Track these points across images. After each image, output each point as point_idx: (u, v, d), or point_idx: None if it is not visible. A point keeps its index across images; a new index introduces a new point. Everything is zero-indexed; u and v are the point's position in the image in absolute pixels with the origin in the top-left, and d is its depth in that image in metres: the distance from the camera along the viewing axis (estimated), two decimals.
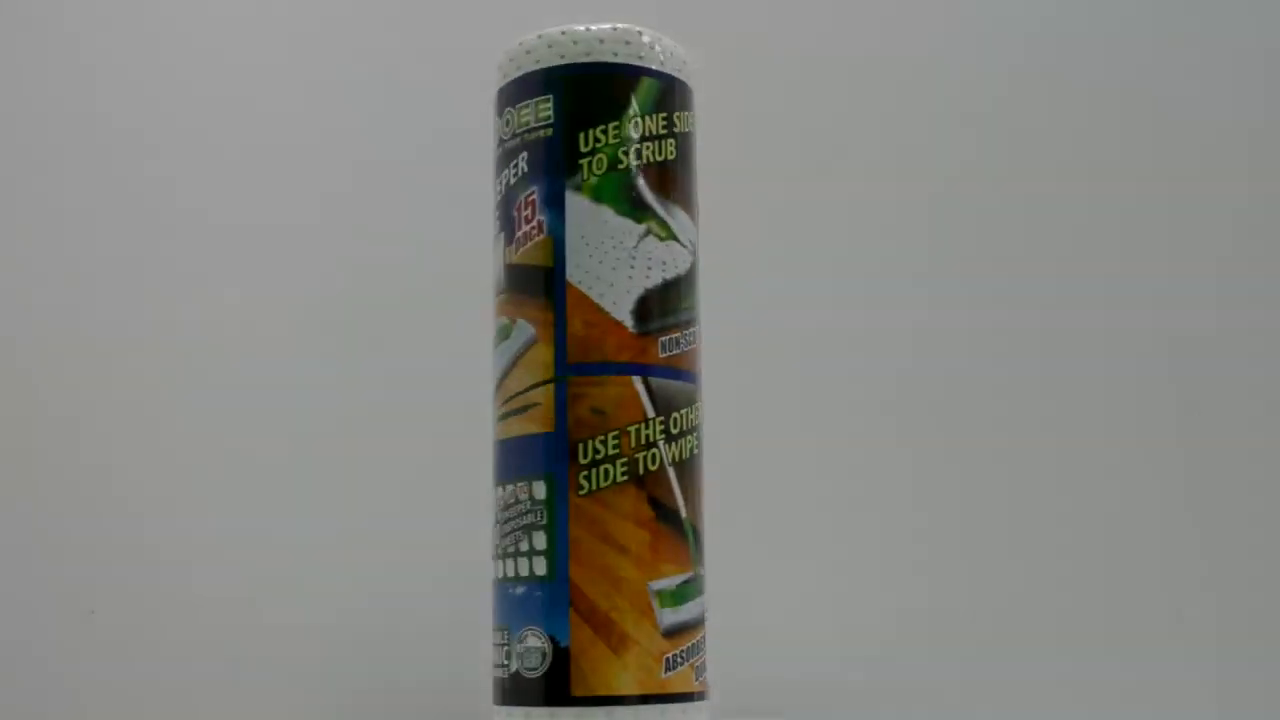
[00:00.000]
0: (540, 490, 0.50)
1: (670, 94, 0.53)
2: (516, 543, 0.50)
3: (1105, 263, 0.75)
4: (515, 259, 0.52)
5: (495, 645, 0.51)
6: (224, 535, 0.69)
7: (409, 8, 0.77)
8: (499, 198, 0.54)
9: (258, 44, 0.76)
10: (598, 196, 0.51)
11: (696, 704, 0.50)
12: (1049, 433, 0.73)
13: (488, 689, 0.52)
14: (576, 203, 0.51)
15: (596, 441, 0.49)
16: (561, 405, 0.50)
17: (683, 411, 0.51)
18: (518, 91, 0.53)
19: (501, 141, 0.54)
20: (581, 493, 0.49)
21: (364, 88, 0.76)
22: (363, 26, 0.77)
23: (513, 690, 0.49)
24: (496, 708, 0.50)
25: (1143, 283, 0.75)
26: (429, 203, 0.74)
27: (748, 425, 0.69)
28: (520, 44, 0.53)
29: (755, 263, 0.73)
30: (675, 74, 0.53)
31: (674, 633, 0.49)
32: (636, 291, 0.51)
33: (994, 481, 0.73)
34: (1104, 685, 0.70)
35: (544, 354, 0.50)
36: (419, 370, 0.71)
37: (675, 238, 0.52)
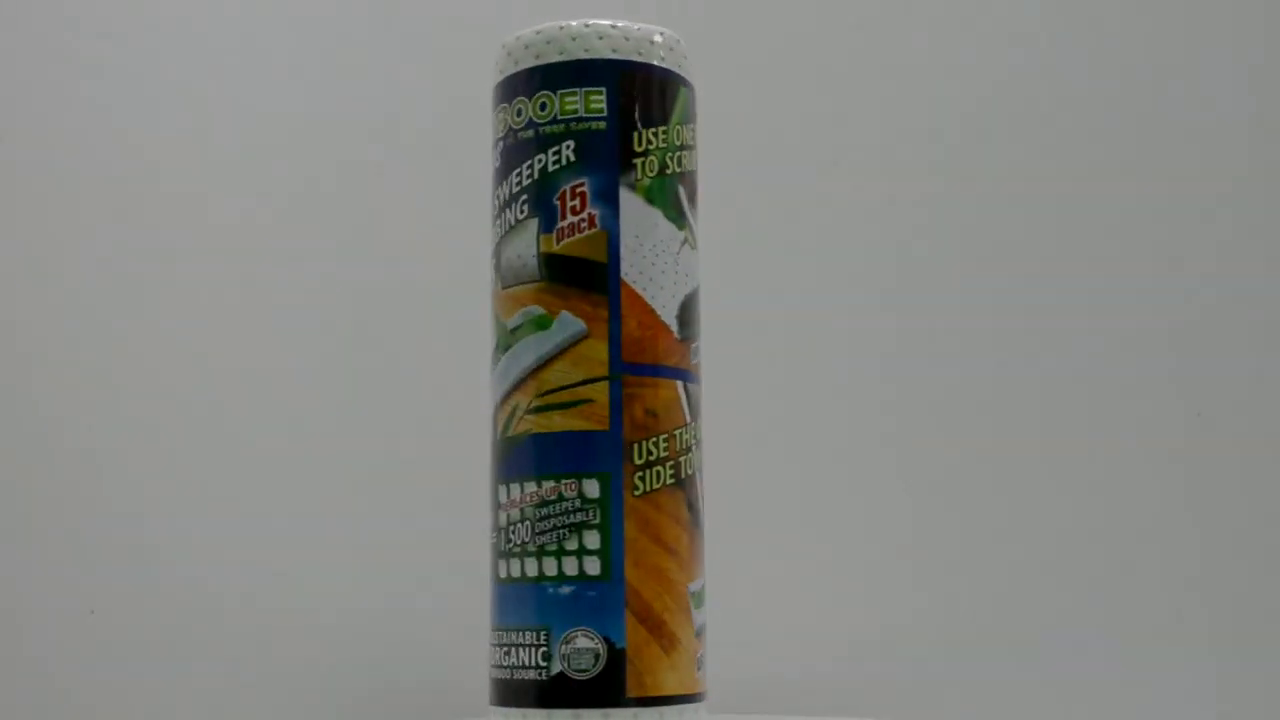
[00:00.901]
0: (592, 488, 0.49)
1: (694, 106, 0.54)
2: (560, 541, 0.49)
3: (1104, 263, 0.75)
4: (557, 249, 0.51)
5: (523, 646, 0.49)
6: (224, 535, 0.69)
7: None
8: (521, 183, 0.52)
9: (257, 36, 0.75)
10: (650, 198, 0.51)
11: (706, 702, 0.52)
12: (1048, 433, 0.73)
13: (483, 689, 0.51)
14: (631, 201, 0.51)
15: (649, 443, 0.50)
16: (617, 404, 0.50)
17: (699, 419, 0.53)
18: (559, 77, 0.51)
19: (533, 125, 0.52)
20: (636, 493, 0.49)
21: (360, 80, 0.76)
22: (356, 18, 0.77)
23: (556, 692, 0.48)
24: (531, 710, 0.49)
25: (1142, 283, 0.75)
26: (429, 204, 0.75)
27: (747, 426, 0.69)
28: (563, 29, 0.52)
29: (753, 266, 0.74)
30: (694, 86, 0.55)
31: (700, 633, 0.51)
32: (679, 297, 0.52)
33: (993, 481, 0.73)
34: (1104, 685, 0.70)
35: (598, 350, 0.50)
36: (418, 369, 0.73)
37: (696, 249, 0.54)
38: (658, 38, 0.52)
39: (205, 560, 0.68)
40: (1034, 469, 0.73)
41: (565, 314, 0.50)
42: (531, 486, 0.50)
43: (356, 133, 0.74)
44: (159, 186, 0.72)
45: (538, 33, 0.52)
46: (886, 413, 0.73)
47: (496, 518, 0.51)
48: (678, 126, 0.52)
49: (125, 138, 0.72)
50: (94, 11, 0.72)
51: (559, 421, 0.50)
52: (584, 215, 0.51)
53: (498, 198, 0.53)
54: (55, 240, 0.70)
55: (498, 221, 0.53)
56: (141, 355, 0.70)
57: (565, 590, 0.49)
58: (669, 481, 0.50)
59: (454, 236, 0.69)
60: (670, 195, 0.52)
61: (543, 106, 0.52)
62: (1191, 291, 0.75)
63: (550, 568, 0.49)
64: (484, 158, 0.55)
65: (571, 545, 0.49)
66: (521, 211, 0.52)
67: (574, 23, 0.52)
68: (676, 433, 0.51)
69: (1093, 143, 0.76)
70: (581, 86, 0.51)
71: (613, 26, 0.52)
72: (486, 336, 0.54)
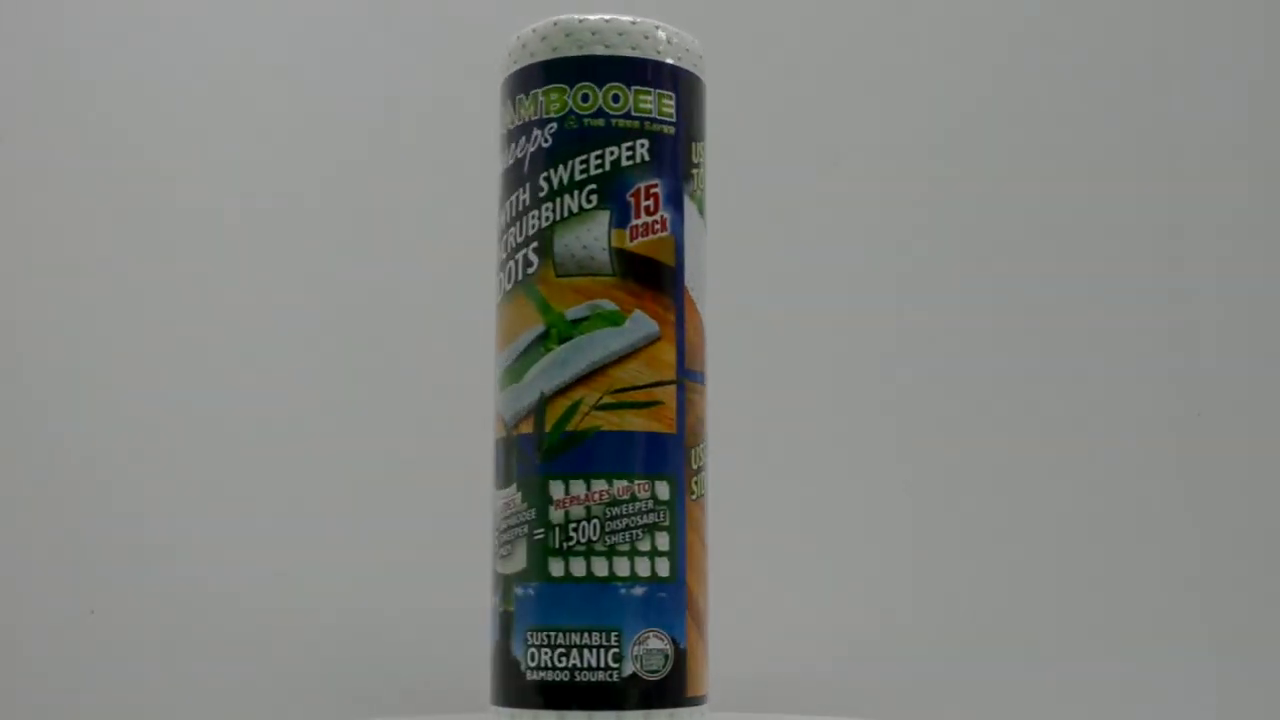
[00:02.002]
0: (664, 491, 0.50)
1: None
2: (634, 541, 0.49)
3: (1104, 263, 0.74)
4: (631, 246, 0.51)
5: (589, 647, 0.48)
6: (224, 535, 0.68)
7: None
8: (588, 171, 0.51)
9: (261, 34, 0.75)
10: (701, 210, 0.53)
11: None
12: (1048, 433, 0.73)
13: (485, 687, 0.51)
14: (691, 211, 0.52)
15: (700, 448, 0.52)
16: (681, 409, 0.51)
17: None
18: (632, 73, 0.51)
19: (604, 114, 0.51)
20: (693, 497, 0.51)
21: (357, 76, 0.75)
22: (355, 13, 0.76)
23: (627, 692, 0.48)
24: (601, 713, 0.48)
25: (1142, 283, 0.74)
26: (428, 202, 0.74)
27: (745, 426, 0.66)
28: (635, 24, 0.52)
29: (752, 265, 0.72)
30: None
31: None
32: (706, 311, 0.54)
33: (994, 481, 0.72)
34: (1103, 685, 0.70)
35: (668, 353, 0.51)
36: (418, 368, 0.72)
37: None
38: (701, 53, 0.54)
39: (205, 560, 0.68)
40: (1034, 469, 0.72)
41: (639, 313, 0.50)
42: (601, 484, 0.49)
43: (356, 131, 0.74)
44: (159, 185, 0.72)
45: (607, 21, 0.51)
46: (886, 412, 0.73)
47: (546, 514, 0.49)
48: (703, 144, 0.54)
49: (125, 137, 0.72)
50: (94, 8, 0.73)
51: (633, 421, 0.49)
52: (657, 217, 0.51)
53: (547, 180, 0.51)
54: (55, 240, 0.71)
55: (546, 205, 0.51)
56: (141, 355, 0.70)
57: (638, 591, 0.49)
58: (707, 488, 0.52)
59: (451, 234, 0.71)
60: (705, 211, 0.54)
61: (615, 99, 0.51)
62: (1192, 291, 0.74)
63: (622, 568, 0.49)
64: (483, 154, 0.56)
65: (644, 546, 0.49)
66: (588, 201, 0.50)
67: (636, 20, 0.52)
68: (706, 440, 0.52)
69: (1094, 143, 0.75)
70: (654, 88, 0.52)
71: (672, 36, 0.53)
72: (486, 336, 0.53)
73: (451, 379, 0.69)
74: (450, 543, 0.63)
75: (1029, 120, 0.76)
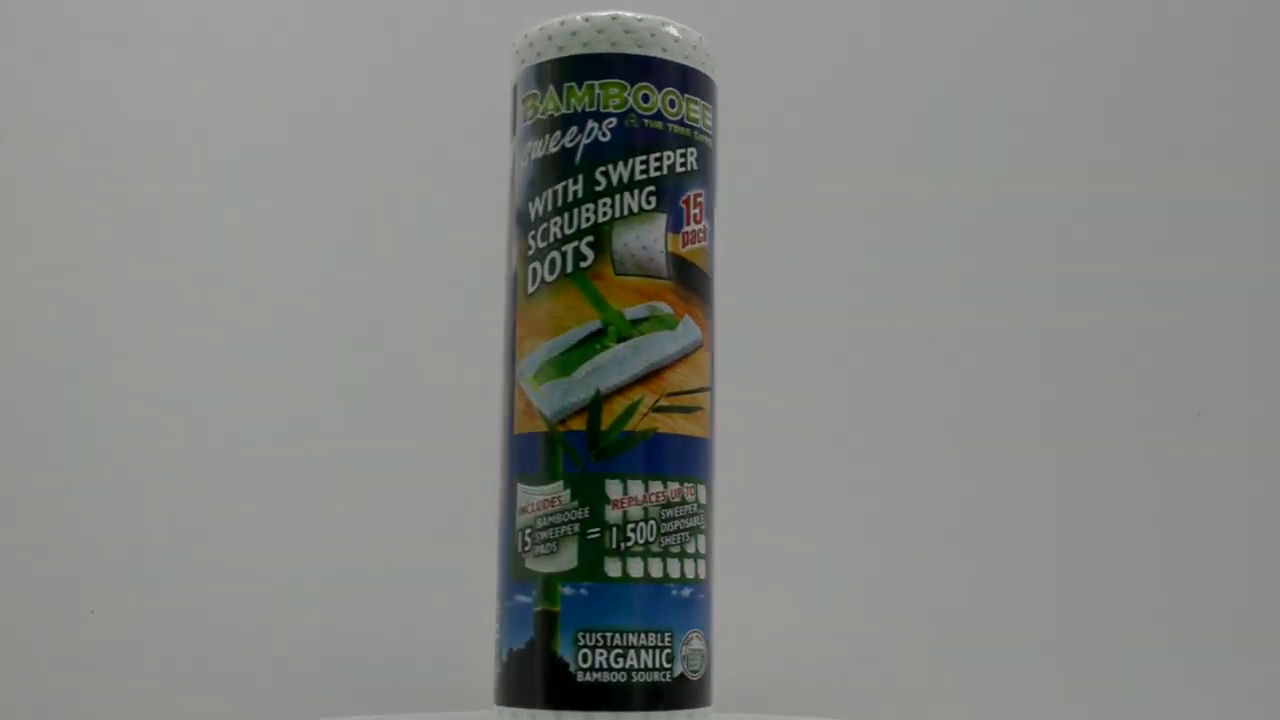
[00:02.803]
0: (703, 494, 0.51)
1: None
2: (683, 543, 0.50)
3: (1104, 263, 0.73)
4: (683, 252, 0.52)
5: (645, 648, 0.49)
6: (223, 535, 0.68)
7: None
8: (648, 173, 0.51)
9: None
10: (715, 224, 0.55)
11: None
12: (1047, 434, 0.72)
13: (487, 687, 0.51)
14: (714, 225, 0.54)
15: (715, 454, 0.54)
16: (712, 415, 0.53)
17: None
18: (686, 81, 0.52)
19: (662, 117, 0.52)
20: (715, 502, 0.53)
21: (360, 74, 0.75)
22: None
23: (679, 693, 0.49)
24: (657, 713, 0.49)
25: (1141, 283, 0.73)
26: (430, 202, 0.73)
27: (745, 427, 0.61)
28: (684, 33, 0.53)
29: (751, 265, 0.69)
30: None
31: None
32: None
33: (993, 482, 0.72)
34: (1105, 686, 0.69)
35: (705, 360, 0.52)
36: (419, 369, 0.72)
37: None
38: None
39: (205, 560, 0.68)
40: (1034, 469, 0.71)
41: (688, 319, 0.51)
42: (658, 486, 0.49)
43: (356, 129, 0.74)
44: (159, 185, 0.72)
45: (663, 25, 0.52)
46: (884, 413, 0.73)
47: (602, 513, 0.49)
48: None
49: (125, 137, 0.73)
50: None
51: (682, 425, 0.50)
52: (702, 226, 0.52)
53: (605, 175, 0.51)
54: (55, 240, 0.71)
55: (604, 200, 0.50)
56: (142, 354, 0.70)
57: (685, 593, 0.50)
58: None
59: (452, 233, 0.72)
60: None
61: (671, 104, 0.52)
62: (1191, 291, 0.73)
63: (674, 569, 0.49)
64: (492, 155, 0.55)
65: (691, 548, 0.50)
66: (648, 202, 0.51)
67: (684, 29, 0.53)
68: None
69: (1095, 143, 0.74)
70: (700, 99, 0.53)
71: (709, 48, 0.54)
72: (488, 337, 0.54)
73: (454, 378, 0.68)
74: (451, 543, 0.62)
75: (1029, 120, 0.75)
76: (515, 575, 0.50)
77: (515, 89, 0.53)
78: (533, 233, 0.51)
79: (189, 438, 0.70)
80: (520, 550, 0.49)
